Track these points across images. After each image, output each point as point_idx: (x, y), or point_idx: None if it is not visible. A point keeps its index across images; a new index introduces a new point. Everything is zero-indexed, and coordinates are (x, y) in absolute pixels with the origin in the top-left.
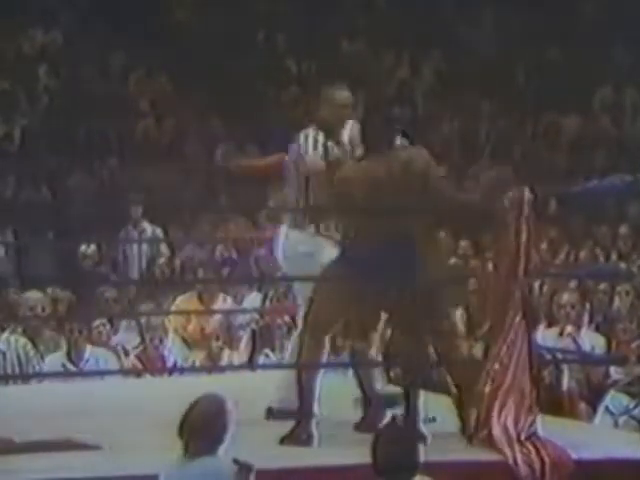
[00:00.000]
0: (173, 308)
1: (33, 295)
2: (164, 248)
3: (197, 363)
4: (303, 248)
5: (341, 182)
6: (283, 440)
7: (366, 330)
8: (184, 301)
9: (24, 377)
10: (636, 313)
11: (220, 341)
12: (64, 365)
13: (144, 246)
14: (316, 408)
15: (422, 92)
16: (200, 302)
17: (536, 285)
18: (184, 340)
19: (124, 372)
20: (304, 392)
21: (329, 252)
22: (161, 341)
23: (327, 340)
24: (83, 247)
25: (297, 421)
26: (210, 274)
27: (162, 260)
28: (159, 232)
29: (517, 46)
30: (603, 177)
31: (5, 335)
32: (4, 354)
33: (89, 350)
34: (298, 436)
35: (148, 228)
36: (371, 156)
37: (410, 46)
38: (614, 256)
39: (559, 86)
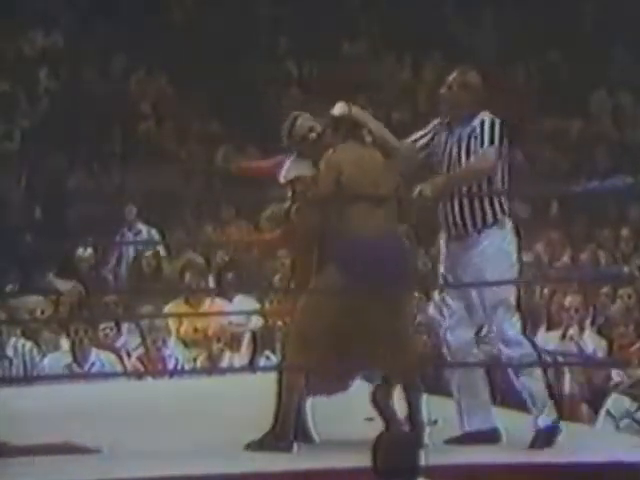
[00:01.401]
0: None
1: (32, 298)
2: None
3: (197, 365)
4: None
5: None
6: (252, 445)
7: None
8: (172, 307)
9: (28, 380)
10: (632, 317)
11: (221, 343)
12: (69, 366)
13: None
14: (294, 415)
15: (423, 94)
16: (188, 306)
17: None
18: (183, 342)
19: (126, 374)
20: (283, 397)
21: None
22: (164, 342)
23: (314, 346)
24: (80, 250)
25: (272, 426)
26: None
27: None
28: (154, 233)
29: (518, 48)
30: (605, 179)
31: (12, 340)
32: (11, 360)
33: (94, 353)
34: (277, 442)
35: (143, 229)
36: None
37: (411, 48)
38: (615, 259)
39: (560, 88)
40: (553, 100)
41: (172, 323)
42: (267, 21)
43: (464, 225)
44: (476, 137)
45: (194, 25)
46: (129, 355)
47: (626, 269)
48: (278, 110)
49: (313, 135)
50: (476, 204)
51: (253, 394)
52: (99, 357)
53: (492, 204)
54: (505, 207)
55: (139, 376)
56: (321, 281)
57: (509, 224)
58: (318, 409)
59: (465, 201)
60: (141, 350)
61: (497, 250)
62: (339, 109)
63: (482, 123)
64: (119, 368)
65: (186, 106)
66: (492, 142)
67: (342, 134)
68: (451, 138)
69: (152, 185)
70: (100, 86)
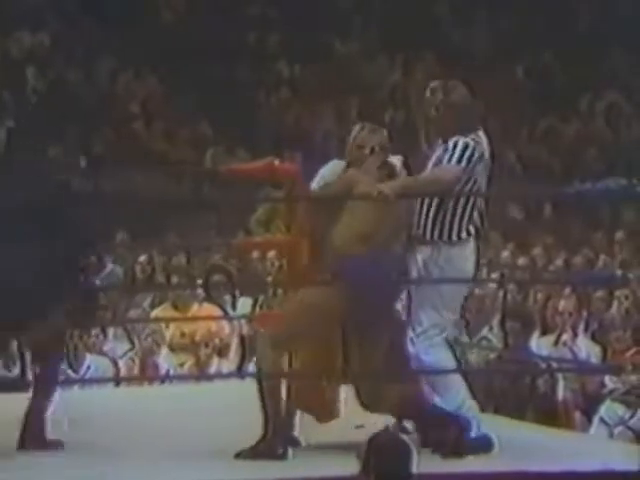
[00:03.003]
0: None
1: None
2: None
3: (184, 371)
4: None
5: None
6: (243, 454)
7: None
8: (160, 312)
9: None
10: (630, 321)
11: (209, 348)
12: (63, 372)
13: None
14: (284, 421)
15: (415, 95)
16: (175, 311)
17: (531, 291)
18: (170, 348)
19: (113, 380)
20: (269, 404)
21: None
22: (157, 348)
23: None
24: None
25: (263, 434)
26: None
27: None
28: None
29: (511, 49)
30: (598, 181)
31: None
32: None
33: (88, 357)
34: (271, 450)
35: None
36: None
37: (403, 49)
38: (610, 262)
39: (554, 89)
40: (546, 102)
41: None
42: (257, 21)
43: (426, 232)
44: (446, 155)
45: (183, 25)
46: (116, 362)
47: (619, 272)
48: (268, 111)
49: (366, 151)
50: (440, 216)
51: (242, 400)
52: (93, 361)
53: (452, 220)
54: (468, 228)
55: (128, 382)
56: (318, 292)
57: (468, 246)
58: (309, 416)
59: (433, 210)
60: (129, 357)
61: (434, 266)
62: (395, 159)
63: (455, 144)
64: (111, 373)
65: (175, 107)
66: (459, 162)
67: (378, 172)
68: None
69: (140, 186)
70: (88, 87)
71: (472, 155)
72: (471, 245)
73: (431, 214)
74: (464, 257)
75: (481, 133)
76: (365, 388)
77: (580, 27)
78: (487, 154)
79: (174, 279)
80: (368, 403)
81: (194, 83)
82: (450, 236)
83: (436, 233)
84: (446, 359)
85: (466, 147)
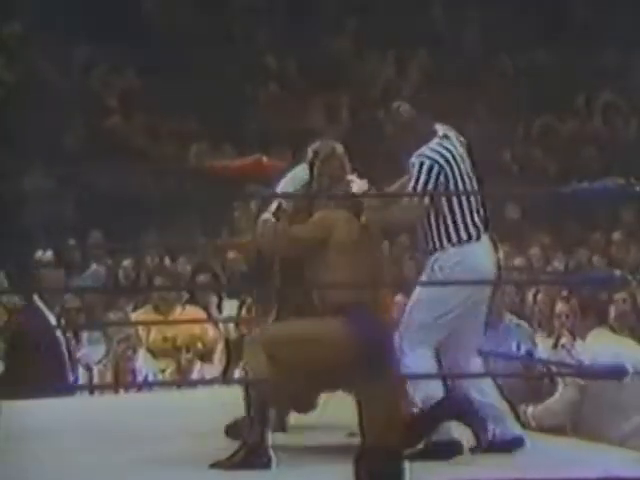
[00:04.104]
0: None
1: None
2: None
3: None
4: None
5: None
6: (220, 464)
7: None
8: (141, 315)
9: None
10: (626, 323)
11: (190, 353)
12: None
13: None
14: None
15: (408, 93)
16: (157, 313)
17: (530, 293)
18: (152, 352)
19: (89, 388)
20: (254, 411)
21: None
22: (133, 353)
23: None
24: (39, 253)
25: (242, 443)
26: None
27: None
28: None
29: (506, 46)
30: (595, 180)
31: None
32: None
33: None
34: (254, 458)
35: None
36: None
37: (395, 45)
38: (608, 262)
39: (549, 88)
40: (542, 100)
41: (141, 332)
42: (246, 13)
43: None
44: (411, 179)
45: (166, 16)
46: (90, 369)
47: (618, 272)
48: (256, 107)
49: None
50: (433, 221)
51: (226, 406)
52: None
53: (441, 227)
54: (469, 229)
55: (104, 390)
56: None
57: (480, 244)
58: (299, 424)
59: (431, 217)
60: (103, 363)
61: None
62: (358, 187)
63: (413, 165)
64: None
65: (156, 101)
66: (417, 185)
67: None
68: None
69: (119, 185)
70: (63, 79)
71: (430, 171)
72: (484, 243)
73: (432, 223)
74: (477, 256)
75: (438, 139)
76: None
77: (576, 25)
78: (454, 152)
79: (157, 280)
80: None
81: (178, 77)
82: (450, 239)
83: (442, 239)
84: (429, 358)
85: (421, 166)
